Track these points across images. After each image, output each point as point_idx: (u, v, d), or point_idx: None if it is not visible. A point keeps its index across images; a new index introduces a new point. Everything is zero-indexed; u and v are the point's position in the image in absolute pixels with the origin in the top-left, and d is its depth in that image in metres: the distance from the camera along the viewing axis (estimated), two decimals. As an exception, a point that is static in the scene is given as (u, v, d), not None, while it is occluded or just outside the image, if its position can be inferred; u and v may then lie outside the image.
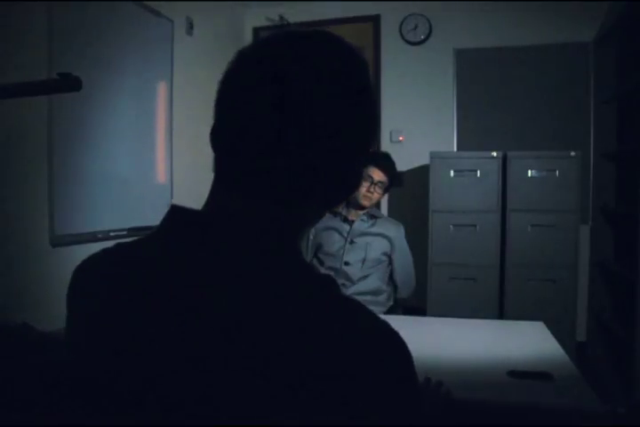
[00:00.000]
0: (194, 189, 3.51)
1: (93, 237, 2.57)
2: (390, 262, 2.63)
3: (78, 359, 0.64)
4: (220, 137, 0.66)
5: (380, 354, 0.53)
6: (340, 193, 0.64)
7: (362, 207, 2.58)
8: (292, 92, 0.57)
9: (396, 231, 2.63)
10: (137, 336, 0.57)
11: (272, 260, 0.57)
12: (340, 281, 2.46)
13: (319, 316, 0.53)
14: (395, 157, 2.64)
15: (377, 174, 2.53)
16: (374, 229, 2.58)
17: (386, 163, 2.56)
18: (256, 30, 4.27)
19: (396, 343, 0.55)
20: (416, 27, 3.89)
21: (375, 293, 2.56)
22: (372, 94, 0.64)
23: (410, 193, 3.80)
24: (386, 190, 2.63)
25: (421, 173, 3.63)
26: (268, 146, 0.58)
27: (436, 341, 1.84)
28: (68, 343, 0.67)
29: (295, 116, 0.57)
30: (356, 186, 0.65)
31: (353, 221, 2.59)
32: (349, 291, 2.48)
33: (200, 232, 0.59)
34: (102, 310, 0.61)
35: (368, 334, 0.54)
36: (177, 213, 0.64)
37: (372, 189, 2.52)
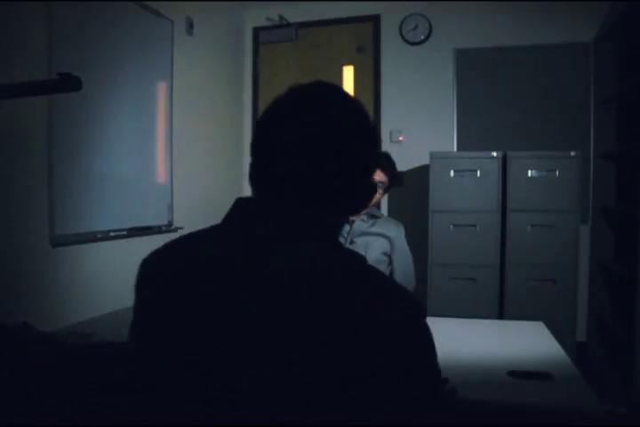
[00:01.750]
0: (194, 189, 3.52)
1: (93, 237, 2.57)
2: (390, 262, 2.63)
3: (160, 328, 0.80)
4: (270, 160, 0.81)
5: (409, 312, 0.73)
6: (360, 200, 0.85)
7: (362, 207, 2.57)
8: (322, 133, 0.78)
9: (396, 231, 2.63)
10: (215, 307, 0.73)
11: (319, 244, 0.77)
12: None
13: (356, 281, 0.72)
14: (395, 157, 2.63)
15: (377, 174, 2.53)
16: (374, 229, 2.58)
17: (386, 163, 2.56)
18: (256, 30, 4.27)
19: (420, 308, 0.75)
20: (416, 27, 3.89)
21: (375, 293, 2.55)
22: (375, 129, 0.86)
23: (410, 193, 3.80)
24: (386, 190, 2.62)
25: (421, 173, 3.63)
26: (307, 168, 0.78)
27: (436, 341, 1.84)
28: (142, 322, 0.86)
29: (326, 148, 0.78)
30: (373, 195, 0.86)
31: (353, 221, 2.59)
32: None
33: (262, 223, 0.78)
34: (180, 288, 0.77)
35: (399, 298, 0.73)
36: (241, 208, 0.82)
37: (372, 189, 2.52)
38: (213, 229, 0.82)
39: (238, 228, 0.79)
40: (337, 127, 0.79)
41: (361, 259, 0.77)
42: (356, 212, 0.86)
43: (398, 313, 0.71)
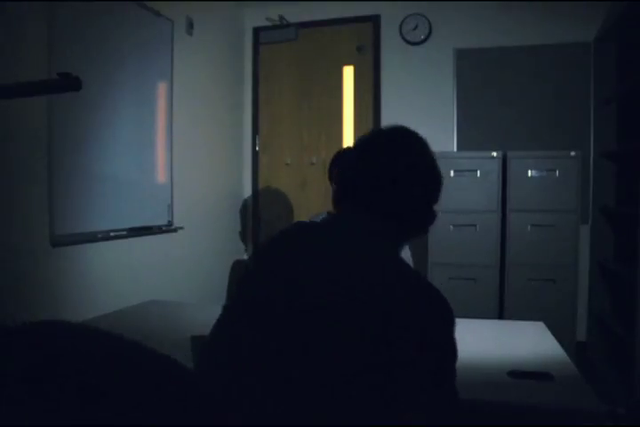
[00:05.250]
0: (194, 189, 3.52)
1: (93, 237, 2.57)
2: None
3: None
4: (359, 184, 1.06)
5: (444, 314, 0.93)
6: (422, 225, 1.10)
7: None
8: (400, 169, 1.05)
9: None
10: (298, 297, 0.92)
11: (380, 251, 1.00)
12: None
13: (410, 289, 0.93)
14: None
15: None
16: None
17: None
18: (256, 30, 4.27)
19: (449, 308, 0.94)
20: (416, 27, 3.89)
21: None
22: (439, 172, 1.12)
23: (410, 193, 3.79)
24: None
25: (421, 172, 3.62)
26: (385, 194, 1.04)
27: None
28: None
29: (401, 182, 1.04)
30: (432, 222, 1.10)
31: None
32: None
33: (344, 232, 1.04)
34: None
35: (438, 299, 0.94)
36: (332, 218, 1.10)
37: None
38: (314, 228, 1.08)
39: (329, 230, 1.05)
40: (415, 169, 1.06)
41: (419, 274, 0.99)
42: (420, 234, 1.11)
43: (442, 318, 0.92)
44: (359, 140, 1.11)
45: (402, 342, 0.84)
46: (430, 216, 1.09)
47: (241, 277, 1.07)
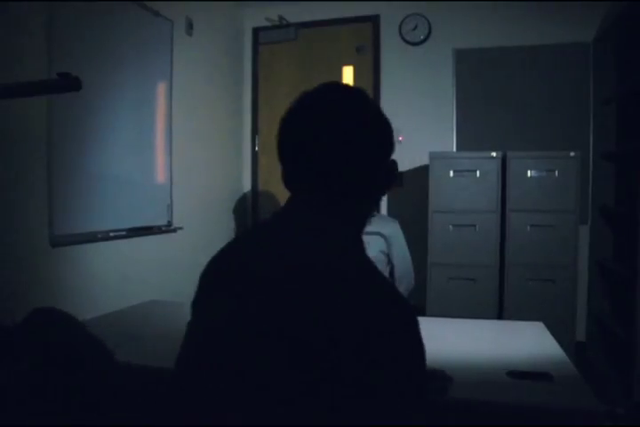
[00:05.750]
0: (193, 190, 3.52)
1: (93, 238, 2.58)
2: (389, 261, 2.64)
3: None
4: (296, 158, 0.90)
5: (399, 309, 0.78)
6: (377, 189, 0.94)
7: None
8: (338, 128, 0.87)
9: (392, 227, 2.66)
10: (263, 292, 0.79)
11: (335, 233, 0.86)
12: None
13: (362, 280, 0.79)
14: (395, 156, 2.63)
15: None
16: (370, 228, 2.57)
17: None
18: (255, 30, 4.28)
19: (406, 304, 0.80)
20: (416, 27, 3.89)
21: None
22: (386, 121, 0.96)
23: (409, 193, 3.80)
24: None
25: (421, 173, 3.63)
26: (326, 162, 0.87)
27: (435, 341, 1.84)
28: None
29: (342, 144, 0.87)
30: (388, 185, 0.95)
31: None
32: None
33: (297, 216, 0.88)
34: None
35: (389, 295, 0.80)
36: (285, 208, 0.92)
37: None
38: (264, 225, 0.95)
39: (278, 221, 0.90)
40: (350, 125, 0.88)
41: (370, 262, 0.85)
42: (380, 196, 0.96)
43: (393, 310, 0.78)
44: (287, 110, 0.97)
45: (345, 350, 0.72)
46: (387, 172, 0.95)
47: (194, 297, 0.94)
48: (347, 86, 0.95)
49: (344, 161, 0.87)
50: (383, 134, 0.95)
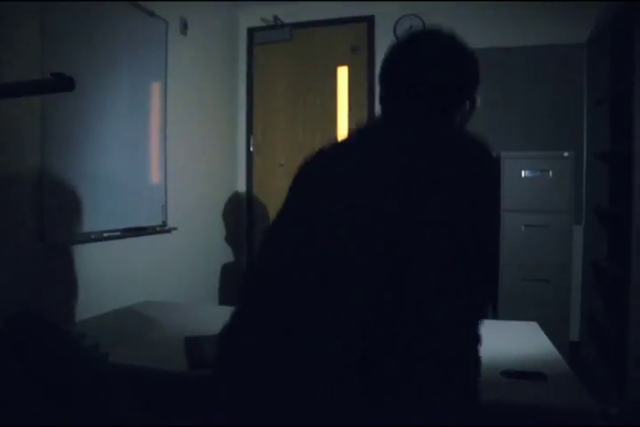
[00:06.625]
0: (188, 190, 3.51)
1: (87, 238, 2.57)
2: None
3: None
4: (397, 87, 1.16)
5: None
6: (466, 115, 1.23)
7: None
8: (433, 70, 1.15)
9: None
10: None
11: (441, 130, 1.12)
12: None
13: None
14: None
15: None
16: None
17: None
18: (250, 31, 4.27)
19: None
20: (410, 27, 3.89)
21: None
22: (476, 63, 1.24)
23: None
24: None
25: (416, 173, 3.62)
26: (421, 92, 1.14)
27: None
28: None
29: (436, 79, 1.14)
30: (471, 112, 1.23)
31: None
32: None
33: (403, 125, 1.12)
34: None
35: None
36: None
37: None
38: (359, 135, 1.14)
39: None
40: (450, 63, 1.17)
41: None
42: (466, 121, 1.22)
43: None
44: (392, 48, 1.24)
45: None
46: (474, 103, 1.21)
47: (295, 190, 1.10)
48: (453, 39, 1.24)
49: (447, 85, 1.13)
50: (476, 71, 1.22)
